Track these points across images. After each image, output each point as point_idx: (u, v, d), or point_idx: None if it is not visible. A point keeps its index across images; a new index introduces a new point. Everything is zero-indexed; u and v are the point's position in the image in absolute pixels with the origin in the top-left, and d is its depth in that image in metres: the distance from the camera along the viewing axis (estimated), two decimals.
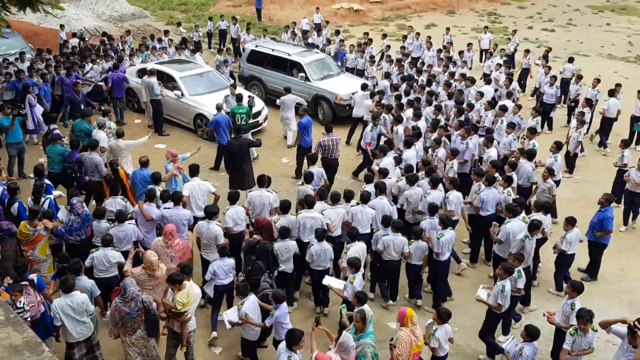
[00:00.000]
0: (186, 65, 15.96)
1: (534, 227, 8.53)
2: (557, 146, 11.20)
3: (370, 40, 19.22)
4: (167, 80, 15.03)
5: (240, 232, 9.13)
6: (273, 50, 16.70)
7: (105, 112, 13.34)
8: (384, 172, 10.01)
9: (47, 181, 9.83)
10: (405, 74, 15.69)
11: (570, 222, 8.99)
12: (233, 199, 9.09)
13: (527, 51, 18.07)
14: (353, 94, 14.69)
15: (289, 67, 16.16)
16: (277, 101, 14.32)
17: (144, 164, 10.16)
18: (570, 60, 17.09)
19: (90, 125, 12.04)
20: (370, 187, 9.70)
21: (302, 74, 15.74)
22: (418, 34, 20.30)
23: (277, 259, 8.44)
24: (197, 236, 8.77)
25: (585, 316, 6.88)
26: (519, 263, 8.00)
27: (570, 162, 13.13)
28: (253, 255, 8.34)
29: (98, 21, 24.20)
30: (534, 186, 10.65)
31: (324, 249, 8.47)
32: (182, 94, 14.63)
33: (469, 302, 8.96)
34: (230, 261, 8.25)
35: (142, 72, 15.15)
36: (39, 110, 13.31)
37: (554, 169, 10.63)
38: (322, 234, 8.45)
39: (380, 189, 9.44)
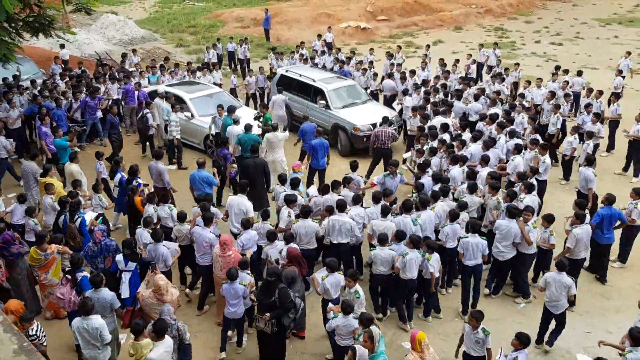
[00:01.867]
0: (196, 86, 16.08)
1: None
2: (517, 149, 11.46)
3: (353, 52, 20.06)
4: (177, 101, 15.11)
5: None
6: (300, 75, 16.18)
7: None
8: (388, 194, 9.90)
9: (139, 180, 10.65)
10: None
11: None
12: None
13: (517, 64, 18.16)
14: (373, 125, 14.00)
15: (313, 93, 15.50)
16: (269, 103, 15.03)
17: (201, 165, 10.84)
18: (579, 73, 17.04)
19: (231, 120, 13.20)
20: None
21: (323, 101, 15.12)
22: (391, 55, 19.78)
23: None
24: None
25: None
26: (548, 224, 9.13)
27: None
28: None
29: (109, 45, 24.54)
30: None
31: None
32: (192, 115, 14.76)
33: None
34: (254, 232, 9.08)
35: (153, 94, 15.31)
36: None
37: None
38: (290, 238, 8.67)
39: (406, 208, 9.40)
